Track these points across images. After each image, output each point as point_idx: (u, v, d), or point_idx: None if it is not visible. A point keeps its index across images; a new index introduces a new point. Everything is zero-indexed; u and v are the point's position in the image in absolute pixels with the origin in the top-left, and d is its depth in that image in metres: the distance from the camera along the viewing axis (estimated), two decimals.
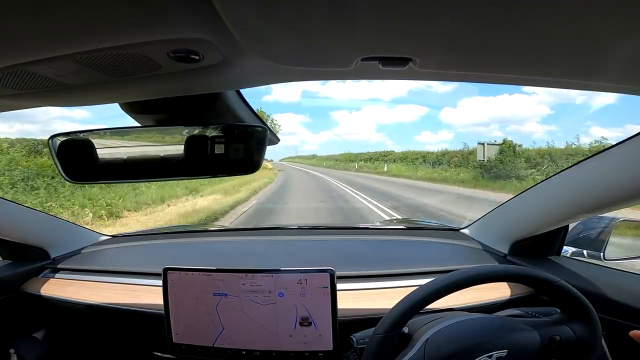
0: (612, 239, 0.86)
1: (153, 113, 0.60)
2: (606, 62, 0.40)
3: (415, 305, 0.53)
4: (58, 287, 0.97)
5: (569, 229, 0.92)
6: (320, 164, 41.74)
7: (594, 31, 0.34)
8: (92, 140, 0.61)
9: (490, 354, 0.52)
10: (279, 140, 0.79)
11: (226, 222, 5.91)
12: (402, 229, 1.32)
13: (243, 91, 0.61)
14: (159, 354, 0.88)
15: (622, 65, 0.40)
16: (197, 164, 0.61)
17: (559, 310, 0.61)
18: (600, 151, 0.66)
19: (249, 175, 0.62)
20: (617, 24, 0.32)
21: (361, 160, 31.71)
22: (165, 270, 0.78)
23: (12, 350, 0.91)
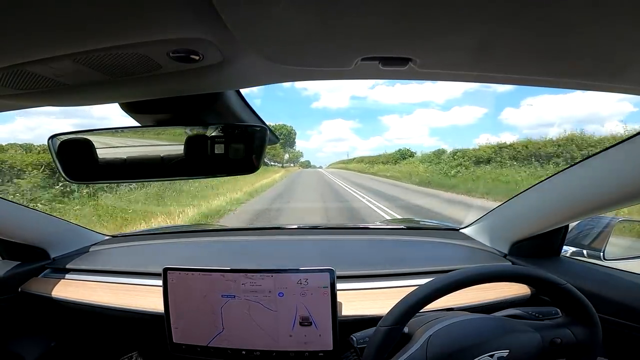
0: (612, 239, 0.86)
1: (153, 113, 0.60)
2: (608, 63, 0.40)
3: (425, 299, 0.54)
4: (58, 287, 0.97)
5: (569, 229, 0.92)
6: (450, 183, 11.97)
7: (595, 31, 0.34)
8: (92, 140, 0.61)
9: (492, 353, 0.52)
10: (279, 140, 0.79)
11: None
12: (402, 228, 1.31)
13: (243, 91, 0.61)
14: None
15: (625, 65, 0.40)
16: (197, 164, 0.61)
17: (559, 311, 0.61)
18: (601, 151, 0.66)
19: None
20: (619, 24, 0.32)
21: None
22: (165, 270, 0.78)
23: None
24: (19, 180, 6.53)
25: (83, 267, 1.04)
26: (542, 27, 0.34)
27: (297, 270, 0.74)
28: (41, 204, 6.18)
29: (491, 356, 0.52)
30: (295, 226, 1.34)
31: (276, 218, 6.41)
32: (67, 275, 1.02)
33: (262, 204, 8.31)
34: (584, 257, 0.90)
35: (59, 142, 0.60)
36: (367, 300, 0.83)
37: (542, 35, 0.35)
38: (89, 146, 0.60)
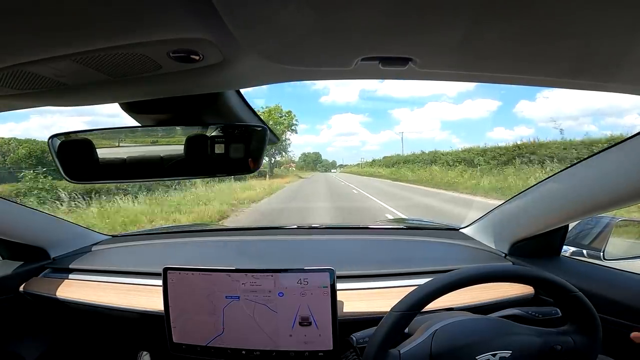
0: (612, 239, 0.86)
1: (153, 113, 0.60)
2: (609, 63, 0.40)
3: (443, 288, 0.54)
4: (58, 287, 0.97)
5: (569, 229, 0.92)
6: None
7: (595, 31, 0.34)
8: (92, 140, 0.61)
9: (495, 352, 0.53)
10: (278, 139, 0.79)
11: None
12: (402, 228, 1.31)
13: (243, 91, 0.61)
14: None
15: (628, 65, 0.40)
16: (197, 163, 0.61)
17: (559, 311, 0.61)
18: (600, 151, 0.66)
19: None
20: (620, 24, 0.32)
21: None
22: (165, 270, 0.78)
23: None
24: None
25: (83, 267, 1.04)
26: (542, 28, 0.34)
27: (297, 270, 0.74)
28: None
29: (494, 355, 0.53)
30: (295, 226, 1.34)
31: None
32: (67, 275, 1.02)
33: None
34: (584, 257, 0.90)
35: (59, 142, 0.60)
36: (367, 300, 0.83)
37: (542, 36, 0.35)
38: (89, 146, 0.60)
